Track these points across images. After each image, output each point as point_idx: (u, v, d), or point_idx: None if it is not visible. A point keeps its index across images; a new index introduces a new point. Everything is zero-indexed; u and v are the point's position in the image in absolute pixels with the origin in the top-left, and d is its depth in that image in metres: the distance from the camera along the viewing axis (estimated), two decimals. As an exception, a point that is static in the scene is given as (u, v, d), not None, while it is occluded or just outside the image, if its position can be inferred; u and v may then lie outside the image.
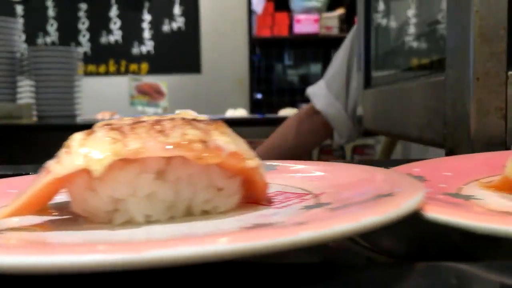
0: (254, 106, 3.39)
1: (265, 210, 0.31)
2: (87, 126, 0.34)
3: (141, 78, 2.60)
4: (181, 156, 0.28)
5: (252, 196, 0.33)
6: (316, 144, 1.27)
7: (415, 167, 0.39)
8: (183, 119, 0.31)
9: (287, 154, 1.21)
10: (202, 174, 0.30)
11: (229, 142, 0.30)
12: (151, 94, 2.49)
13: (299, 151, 1.26)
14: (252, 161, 0.31)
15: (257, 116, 2.72)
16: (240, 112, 2.59)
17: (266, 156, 1.23)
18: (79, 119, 1.86)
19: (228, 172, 0.31)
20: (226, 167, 0.30)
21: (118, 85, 3.28)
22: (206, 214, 0.30)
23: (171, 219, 0.30)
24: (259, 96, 3.77)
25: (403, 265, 0.21)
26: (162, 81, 2.55)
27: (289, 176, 0.39)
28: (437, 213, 0.24)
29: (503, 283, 0.19)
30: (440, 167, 0.41)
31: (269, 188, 0.34)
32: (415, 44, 1.00)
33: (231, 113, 2.59)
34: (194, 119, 0.31)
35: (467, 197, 0.32)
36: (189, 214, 0.30)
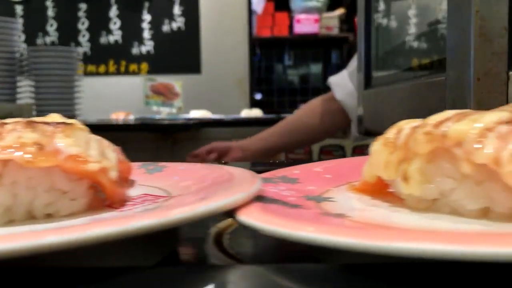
0: (254, 106, 3.38)
1: (107, 213, 0.31)
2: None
3: (155, 78, 2.60)
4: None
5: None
6: (334, 127, 1.29)
7: (296, 169, 0.40)
8: (27, 122, 0.30)
9: (314, 131, 1.27)
10: (42, 177, 0.30)
11: (71, 145, 0.29)
12: (166, 94, 2.49)
13: (321, 131, 1.30)
14: (95, 164, 0.30)
15: (271, 116, 2.73)
16: (255, 112, 2.61)
17: (292, 132, 1.26)
18: (79, 119, 1.86)
19: (73, 175, 0.30)
20: (66, 170, 0.30)
21: (118, 85, 3.28)
22: (50, 217, 0.30)
23: (10, 222, 0.29)
24: (259, 96, 3.76)
25: (231, 268, 0.23)
26: (176, 81, 2.55)
27: (168, 178, 0.39)
28: (246, 217, 0.25)
29: (278, 283, 0.21)
30: (325, 169, 0.41)
31: (131, 189, 0.33)
32: (415, 44, 1.00)
33: (246, 113, 2.61)
34: (42, 122, 0.31)
35: (321, 199, 0.32)
36: (31, 217, 0.30)
